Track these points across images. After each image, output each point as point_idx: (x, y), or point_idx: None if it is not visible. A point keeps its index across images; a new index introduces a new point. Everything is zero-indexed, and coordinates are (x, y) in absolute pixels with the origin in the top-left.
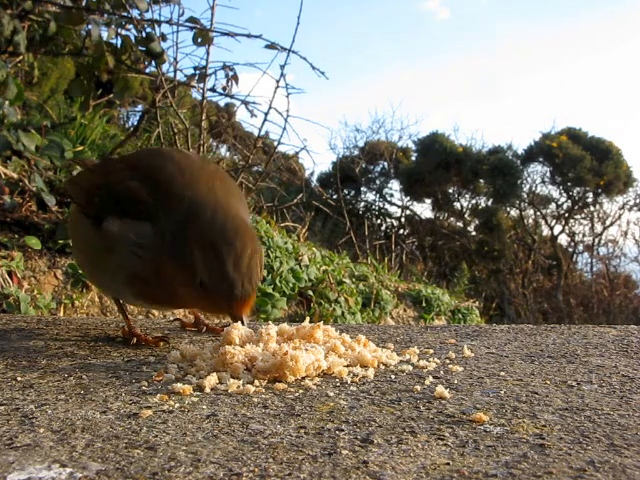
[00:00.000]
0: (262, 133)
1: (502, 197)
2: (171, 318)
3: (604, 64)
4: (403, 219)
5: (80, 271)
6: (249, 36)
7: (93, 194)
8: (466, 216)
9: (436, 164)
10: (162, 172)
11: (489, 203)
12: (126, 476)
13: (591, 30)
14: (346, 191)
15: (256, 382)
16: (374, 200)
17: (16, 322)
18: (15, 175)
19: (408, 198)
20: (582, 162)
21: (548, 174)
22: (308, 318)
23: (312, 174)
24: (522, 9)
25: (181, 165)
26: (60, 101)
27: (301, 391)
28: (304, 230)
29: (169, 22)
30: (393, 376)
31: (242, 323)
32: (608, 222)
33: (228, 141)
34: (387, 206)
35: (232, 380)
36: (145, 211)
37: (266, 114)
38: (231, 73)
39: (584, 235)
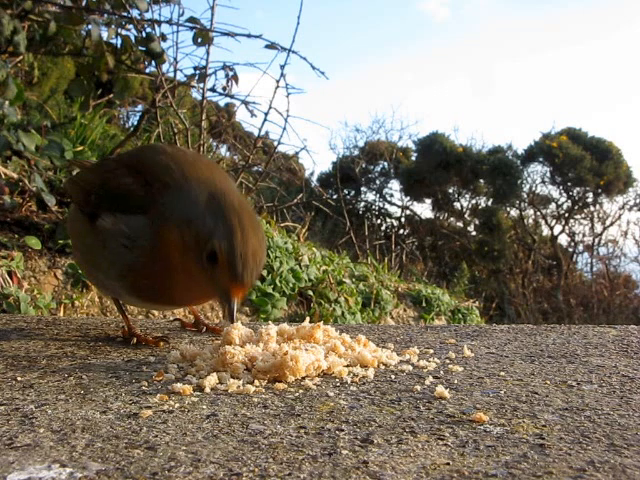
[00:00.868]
0: (262, 133)
1: (502, 197)
2: (171, 318)
3: (605, 64)
4: (403, 219)
5: (80, 271)
6: (249, 36)
7: (90, 192)
8: (466, 216)
9: (436, 164)
10: (155, 164)
11: (489, 203)
12: (126, 476)
13: (593, 30)
14: (346, 191)
15: (256, 382)
16: (374, 200)
17: (16, 322)
18: (15, 175)
19: (408, 198)
20: (582, 162)
21: (548, 174)
22: (308, 318)
23: (312, 174)
24: (522, 9)
25: (174, 156)
26: (60, 101)
27: (301, 391)
28: (304, 230)
29: (169, 22)
30: (393, 376)
31: (230, 305)
32: (608, 222)
33: (228, 141)
34: (387, 206)
35: (232, 380)
36: (139, 205)
37: (266, 114)
38: (231, 73)
39: (584, 235)
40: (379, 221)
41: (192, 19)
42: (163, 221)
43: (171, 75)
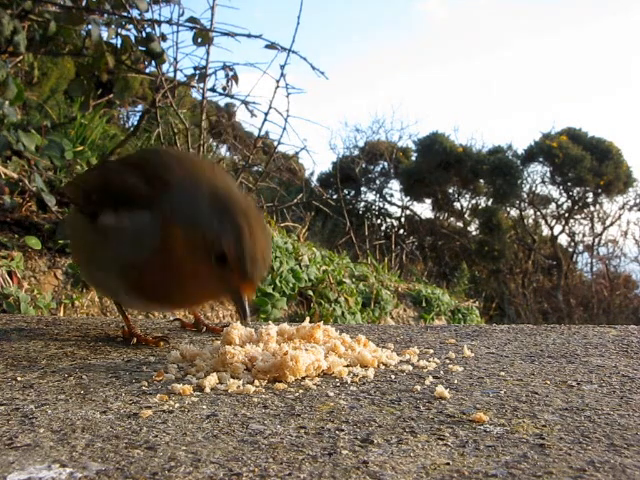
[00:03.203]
0: (262, 133)
1: (502, 197)
2: (171, 318)
3: (605, 64)
4: (403, 219)
5: (79, 271)
6: (249, 36)
7: (91, 192)
8: (466, 216)
9: (436, 164)
10: (157, 164)
11: (489, 203)
12: (126, 476)
13: (593, 30)
14: (346, 191)
15: (256, 382)
16: (374, 200)
17: (16, 322)
18: (15, 175)
19: (408, 198)
20: (582, 162)
21: (548, 174)
22: (308, 318)
23: (312, 174)
24: (522, 9)
25: (175, 156)
26: (60, 101)
27: (301, 391)
28: (304, 230)
29: (169, 22)
30: (393, 376)
31: (242, 303)
32: (608, 222)
33: (228, 141)
34: (387, 206)
35: (232, 380)
36: (142, 202)
37: (266, 114)
38: (231, 73)
39: (584, 235)
40: (379, 221)
41: (192, 19)
42: (166, 219)
43: (171, 75)
